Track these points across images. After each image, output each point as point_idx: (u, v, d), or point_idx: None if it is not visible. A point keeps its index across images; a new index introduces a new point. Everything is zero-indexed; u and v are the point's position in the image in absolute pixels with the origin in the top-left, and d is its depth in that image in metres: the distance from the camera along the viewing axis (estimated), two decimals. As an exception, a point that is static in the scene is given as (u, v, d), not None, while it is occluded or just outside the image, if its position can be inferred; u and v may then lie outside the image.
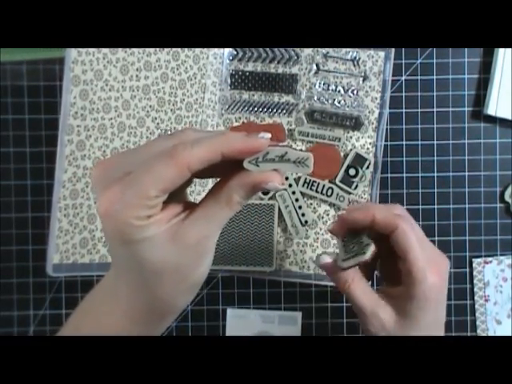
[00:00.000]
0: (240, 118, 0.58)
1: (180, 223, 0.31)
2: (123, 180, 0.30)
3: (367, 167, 0.56)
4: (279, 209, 0.57)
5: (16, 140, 0.58)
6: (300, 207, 0.57)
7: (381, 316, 0.39)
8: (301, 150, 0.32)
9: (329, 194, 0.56)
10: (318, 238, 0.58)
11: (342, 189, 0.57)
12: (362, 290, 0.40)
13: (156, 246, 0.30)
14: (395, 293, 0.40)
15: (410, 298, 0.39)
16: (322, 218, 0.57)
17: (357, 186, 0.56)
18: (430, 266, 0.39)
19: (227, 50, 0.57)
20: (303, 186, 0.56)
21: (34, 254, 0.59)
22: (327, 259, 0.41)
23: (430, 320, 0.39)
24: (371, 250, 0.39)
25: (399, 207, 0.43)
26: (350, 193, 0.57)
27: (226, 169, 0.32)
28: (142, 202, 0.29)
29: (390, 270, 0.41)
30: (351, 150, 0.57)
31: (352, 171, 0.56)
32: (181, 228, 0.31)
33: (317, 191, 0.56)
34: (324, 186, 0.56)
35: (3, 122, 0.58)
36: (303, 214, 0.57)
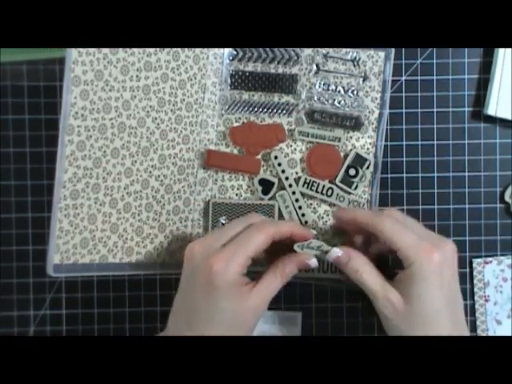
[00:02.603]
0: (240, 118, 0.58)
1: (251, 287, 0.43)
2: (229, 247, 0.42)
3: (367, 167, 0.56)
4: (279, 209, 0.57)
5: (16, 140, 0.58)
6: (300, 207, 0.57)
7: (392, 299, 0.43)
8: (333, 245, 0.48)
9: (329, 194, 0.56)
10: (317, 238, 0.58)
11: (342, 189, 0.57)
12: (372, 277, 0.45)
13: (230, 296, 0.41)
14: (399, 278, 0.44)
15: (410, 280, 0.42)
16: (322, 218, 0.57)
17: (357, 187, 0.56)
18: (421, 246, 0.42)
19: (227, 50, 0.57)
20: (303, 186, 0.56)
21: (34, 254, 0.59)
22: (338, 253, 0.47)
23: (438, 301, 0.42)
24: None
25: (392, 209, 0.48)
26: (350, 193, 0.57)
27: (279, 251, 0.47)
28: (245, 262, 0.43)
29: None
30: (351, 150, 0.57)
31: (352, 171, 0.56)
32: (251, 292, 0.43)
33: (317, 191, 0.56)
34: (324, 186, 0.56)
35: (3, 122, 0.58)
36: (303, 214, 0.57)
